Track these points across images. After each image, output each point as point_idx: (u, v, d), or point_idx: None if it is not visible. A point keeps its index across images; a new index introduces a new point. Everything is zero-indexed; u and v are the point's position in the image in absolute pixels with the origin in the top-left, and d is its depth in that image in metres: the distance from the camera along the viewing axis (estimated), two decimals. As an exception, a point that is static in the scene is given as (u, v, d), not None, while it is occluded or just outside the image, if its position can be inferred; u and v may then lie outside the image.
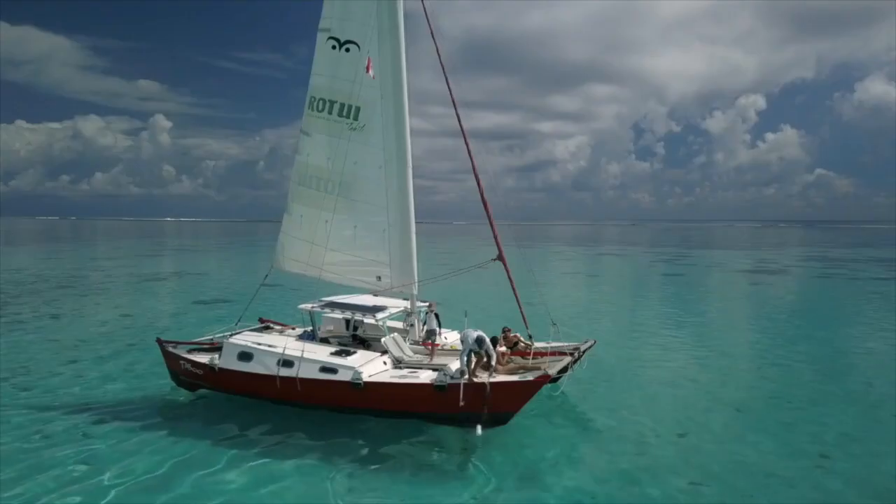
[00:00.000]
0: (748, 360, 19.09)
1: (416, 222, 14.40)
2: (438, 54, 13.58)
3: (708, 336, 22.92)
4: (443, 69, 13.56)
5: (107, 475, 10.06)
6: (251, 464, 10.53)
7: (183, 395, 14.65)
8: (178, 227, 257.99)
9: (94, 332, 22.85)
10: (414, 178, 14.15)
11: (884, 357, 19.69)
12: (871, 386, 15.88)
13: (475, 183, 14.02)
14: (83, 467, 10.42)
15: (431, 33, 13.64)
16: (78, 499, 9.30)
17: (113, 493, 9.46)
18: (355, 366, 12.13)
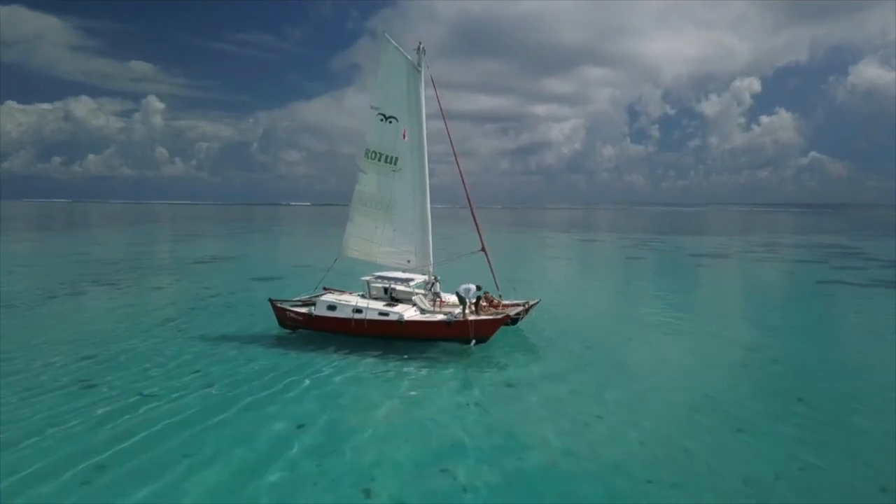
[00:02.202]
0: (667, 313, 28.34)
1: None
2: (442, 114, 22.48)
3: (641, 298, 32.22)
4: (445, 122, 22.47)
5: (250, 375, 19.13)
6: (337, 369, 19.25)
7: (286, 333, 23.60)
8: (185, 211, 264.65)
9: (192, 298, 31.76)
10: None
11: (811, 319, 29.12)
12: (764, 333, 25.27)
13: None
14: (240, 371, 19.39)
15: (441, 110, 22.50)
16: (244, 388, 18.22)
17: (252, 384, 18.42)
18: (400, 311, 21.27)
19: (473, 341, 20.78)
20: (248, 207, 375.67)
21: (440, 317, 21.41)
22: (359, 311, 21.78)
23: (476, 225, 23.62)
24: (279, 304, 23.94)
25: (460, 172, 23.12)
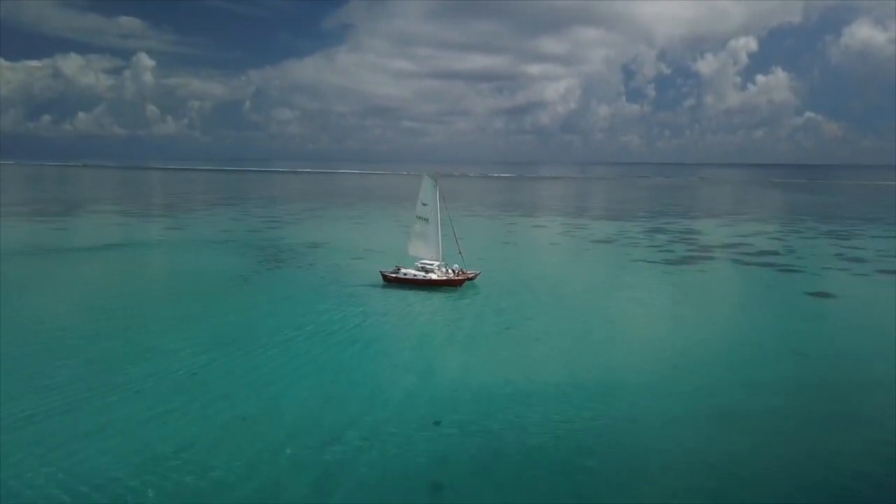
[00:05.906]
0: (589, 278, 67.12)
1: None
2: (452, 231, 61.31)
3: (566, 269, 71.14)
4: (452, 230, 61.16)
5: (374, 297, 58.51)
6: (408, 296, 58.40)
7: (386, 284, 62.52)
8: (194, 178, 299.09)
9: (331, 270, 70.52)
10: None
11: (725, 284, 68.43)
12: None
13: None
14: (372, 294, 58.67)
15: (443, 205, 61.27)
16: (373, 299, 57.41)
17: (375, 300, 57.79)
18: (432, 275, 60.76)
19: (458, 286, 60.23)
20: (257, 174, 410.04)
21: (445, 277, 60.78)
22: (415, 275, 61.14)
23: (457, 244, 62.44)
24: (383, 272, 63.14)
25: (456, 241, 62.01)
